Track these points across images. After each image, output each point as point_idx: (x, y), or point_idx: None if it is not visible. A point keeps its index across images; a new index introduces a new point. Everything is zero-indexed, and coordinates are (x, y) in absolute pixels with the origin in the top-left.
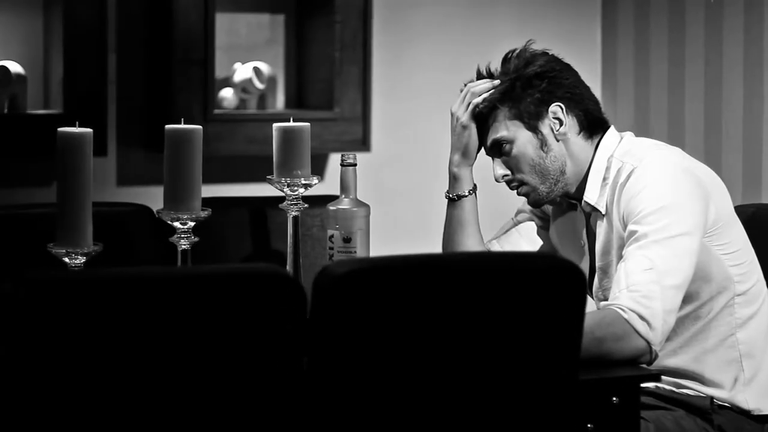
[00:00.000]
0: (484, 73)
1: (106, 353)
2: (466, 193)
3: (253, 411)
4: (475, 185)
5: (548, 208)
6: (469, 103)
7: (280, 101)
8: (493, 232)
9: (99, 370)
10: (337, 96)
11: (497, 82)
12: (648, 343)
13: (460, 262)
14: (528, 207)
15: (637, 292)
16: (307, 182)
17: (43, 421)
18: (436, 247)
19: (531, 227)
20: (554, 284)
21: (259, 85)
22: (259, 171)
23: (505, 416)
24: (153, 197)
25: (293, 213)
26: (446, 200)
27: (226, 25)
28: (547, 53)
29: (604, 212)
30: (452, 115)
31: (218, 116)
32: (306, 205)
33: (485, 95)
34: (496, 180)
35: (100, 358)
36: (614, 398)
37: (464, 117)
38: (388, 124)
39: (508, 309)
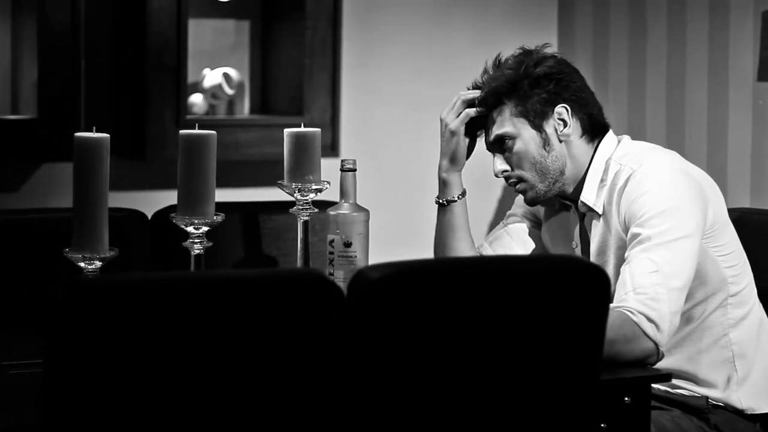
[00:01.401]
0: (494, 63)
1: (158, 356)
2: (456, 198)
3: (291, 410)
4: (464, 190)
5: (540, 210)
6: (460, 111)
7: (246, 107)
8: (484, 235)
9: (150, 372)
10: (308, 102)
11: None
12: (655, 344)
13: (491, 265)
14: (519, 210)
15: (645, 294)
16: (318, 187)
17: (92, 424)
18: (407, 249)
19: (522, 229)
20: (581, 285)
21: (229, 91)
22: (232, 176)
23: (528, 415)
24: (127, 202)
25: (304, 218)
26: (436, 205)
27: (192, 31)
28: (556, 56)
29: (601, 213)
30: (441, 121)
31: (190, 122)
32: (316, 210)
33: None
34: (496, 175)
35: (152, 361)
36: (626, 398)
37: (453, 123)
38: (357, 129)
39: (537, 310)
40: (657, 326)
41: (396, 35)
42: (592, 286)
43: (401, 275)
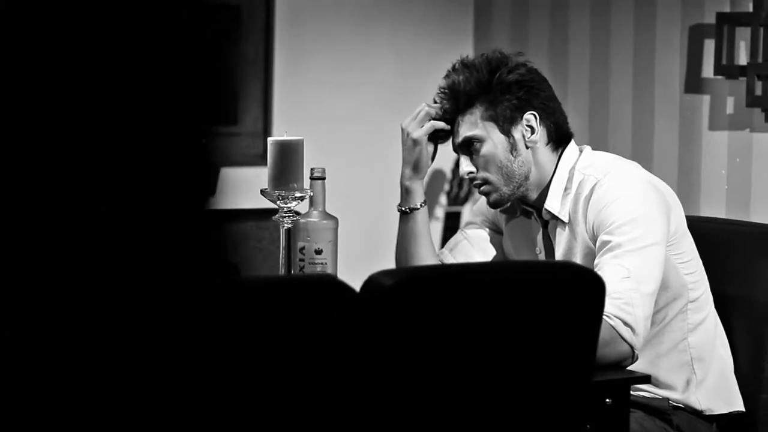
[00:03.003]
0: (464, 64)
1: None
2: (418, 206)
3: (305, 416)
4: (425, 198)
5: (499, 218)
6: (422, 120)
7: None
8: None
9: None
10: (241, 111)
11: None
12: (631, 347)
13: (500, 270)
14: (478, 219)
15: (619, 299)
16: (301, 195)
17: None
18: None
19: (482, 236)
20: (581, 291)
21: None
22: None
23: (527, 416)
24: None
25: (287, 225)
26: (398, 213)
27: None
28: (527, 65)
29: (566, 221)
30: (402, 130)
31: None
32: (297, 218)
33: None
34: (461, 176)
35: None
36: (608, 399)
37: (416, 133)
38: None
39: (543, 314)
40: (633, 330)
41: (326, 44)
42: (591, 290)
43: (414, 282)
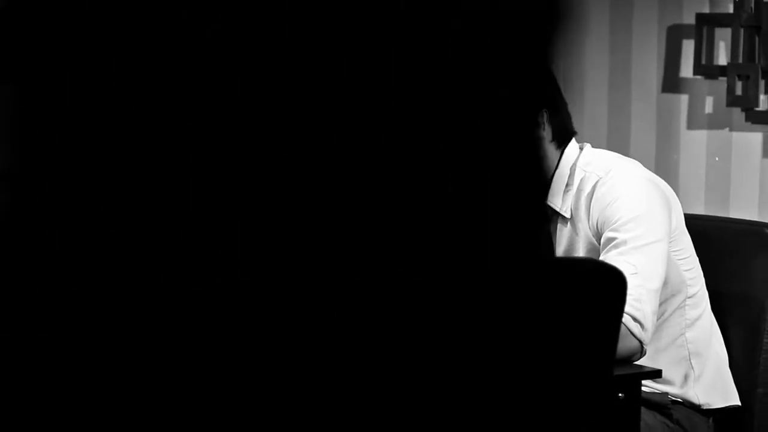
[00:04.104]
0: None
1: None
2: None
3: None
4: None
5: None
6: None
7: None
8: None
9: None
10: None
11: None
12: (640, 342)
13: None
14: None
15: (629, 295)
16: None
17: None
18: None
19: None
20: (605, 287)
21: None
22: None
23: (545, 414)
24: None
25: None
26: None
27: None
28: None
29: (568, 217)
30: None
31: None
32: None
33: None
34: None
35: None
36: (620, 394)
37: None
38: None
39: (567, 311)
40: (642, 325)
41: None
42: (613, 286)
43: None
